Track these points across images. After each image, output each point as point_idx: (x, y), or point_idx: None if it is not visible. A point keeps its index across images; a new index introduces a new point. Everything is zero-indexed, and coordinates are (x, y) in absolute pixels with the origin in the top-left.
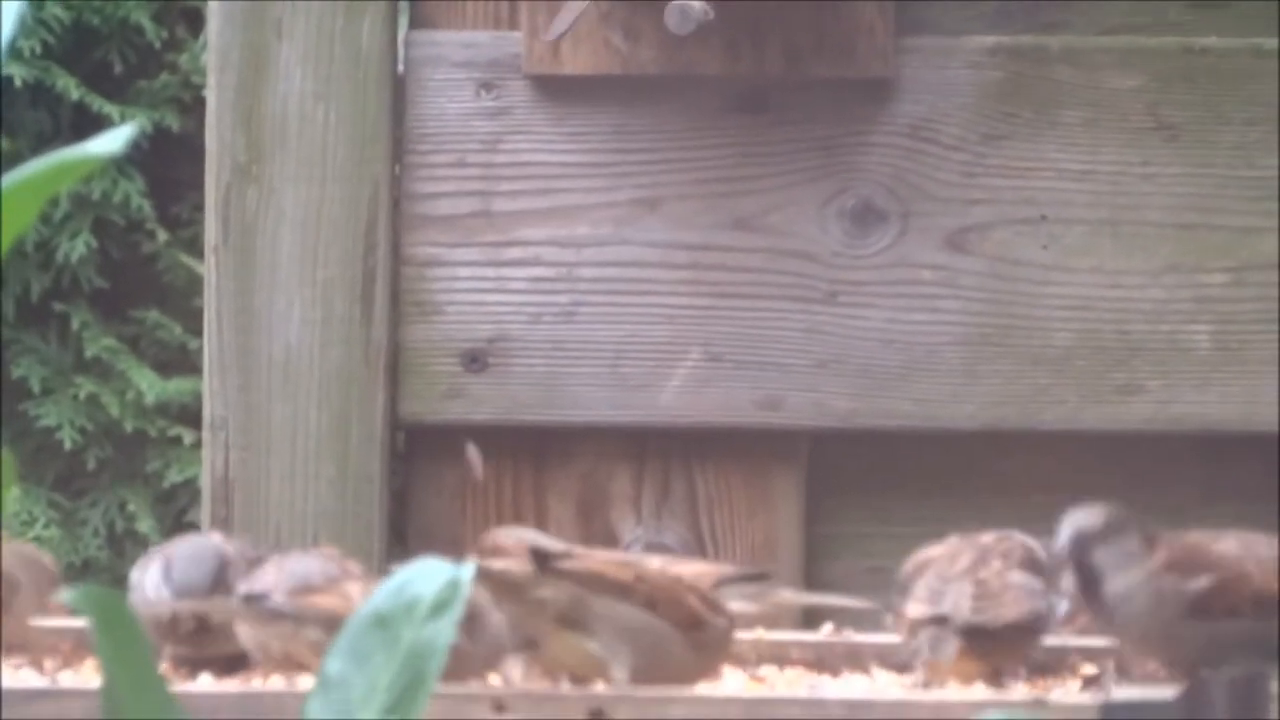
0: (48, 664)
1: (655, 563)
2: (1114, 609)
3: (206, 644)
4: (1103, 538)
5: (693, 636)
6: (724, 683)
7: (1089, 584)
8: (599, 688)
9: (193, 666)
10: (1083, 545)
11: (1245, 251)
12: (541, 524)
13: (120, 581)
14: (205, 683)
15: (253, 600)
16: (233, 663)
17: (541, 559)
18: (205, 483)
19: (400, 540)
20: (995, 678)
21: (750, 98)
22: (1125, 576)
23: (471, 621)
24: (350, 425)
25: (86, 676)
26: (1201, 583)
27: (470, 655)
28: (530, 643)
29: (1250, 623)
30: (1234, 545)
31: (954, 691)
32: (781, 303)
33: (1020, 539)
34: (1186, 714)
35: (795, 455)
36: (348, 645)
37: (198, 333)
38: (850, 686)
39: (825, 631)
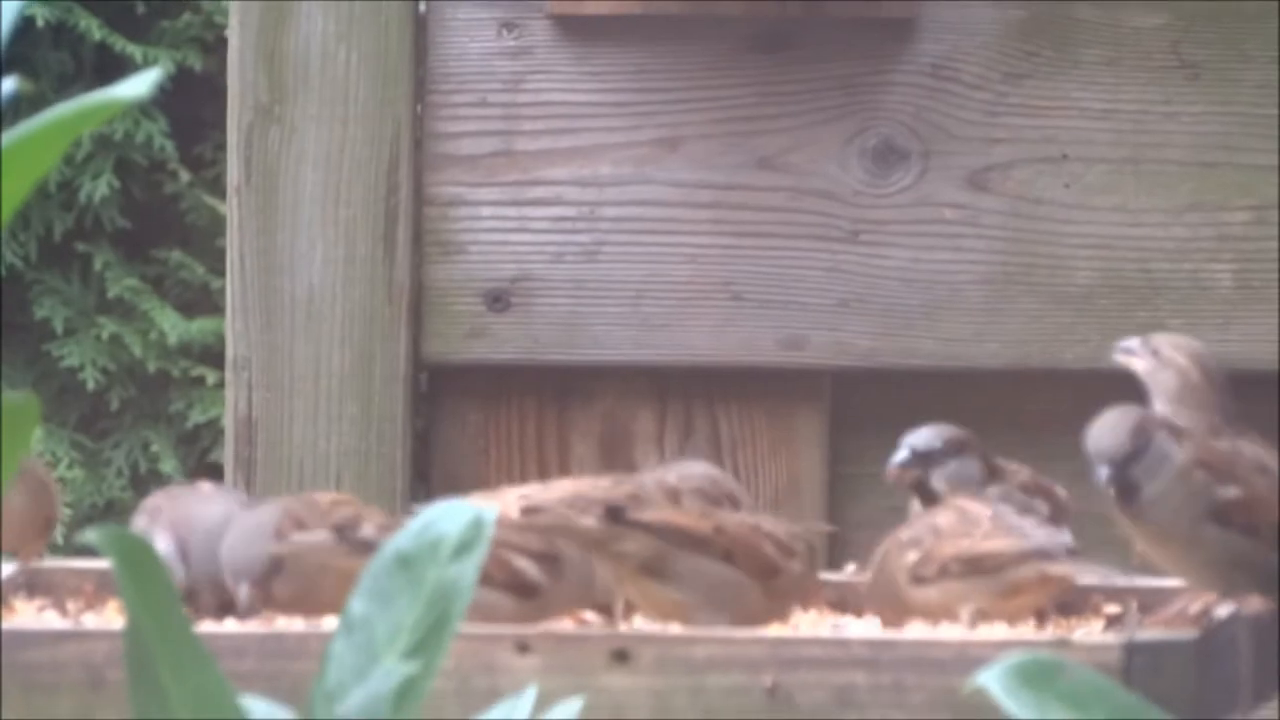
0: (70, 605)
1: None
2: (1146, 512)
3: None
4: (1135, 457)
5: (769, 584)
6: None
7: (1128, 497)
8: (621, 627)
9: None
10: (1121, 471)
11: (1268, 190)
12: (564, 464)
13: None
14: (229, 624)
15: (345, 534)
16: None
17: (616, 513)
18: (228, 423)
19: (423, 480)
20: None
21: (771, 37)
22: (1160, 478)
23: (554, 561)
24: (373, 365)
25: (109, 618)
26: (1230, 492)
27: (555, 593)
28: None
29: (1265, 548)
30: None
31: (978, 631)
32: (804, 242)
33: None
34: (1210, 654)
35: (818, 394)
36: (371, 586)
37: (220, 273)
38: (873, 627)
39: (849, 571)
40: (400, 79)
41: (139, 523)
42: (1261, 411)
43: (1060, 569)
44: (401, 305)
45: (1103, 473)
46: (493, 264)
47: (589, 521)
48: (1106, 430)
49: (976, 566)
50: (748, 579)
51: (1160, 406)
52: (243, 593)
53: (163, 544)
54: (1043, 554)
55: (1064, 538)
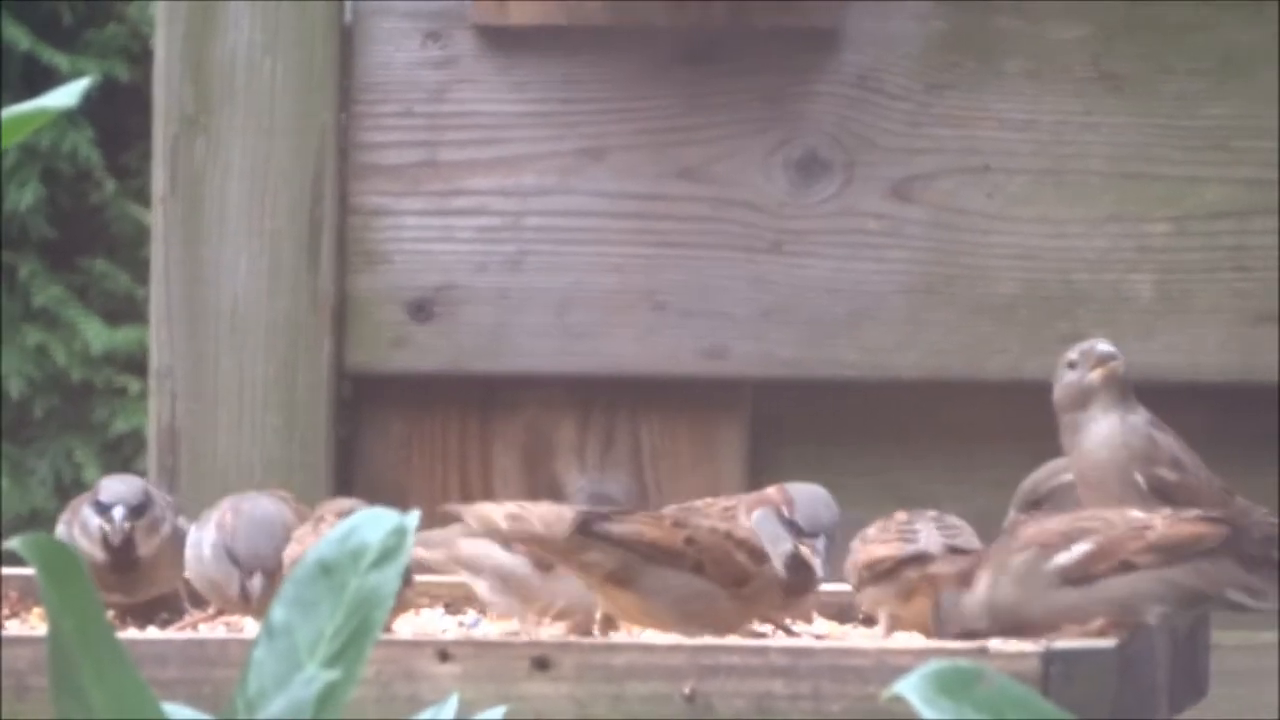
0: None
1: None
2: (998, 620)
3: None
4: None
5: (739, 591)
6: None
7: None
8: (542, 635)
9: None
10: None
11: (1188, 201)
12: (487, 473)
13: None
14: (152, 631)
15: None
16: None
17: (585, 524)
18: (151, 432)
19: (347, 489)
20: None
21: (696, 48)
22: (969, 603)
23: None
24: (297, 375)
25: (33, 625)
26: (1076, 551)
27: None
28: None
29: (1152, 574)
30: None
31: (896, 640)
32: (727, 252)
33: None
34: (1128, 663)
35: (739, 405)
36: (293, 593)
37: (145, 282)
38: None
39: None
40: (325, 89)
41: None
42: (1181, 422)
43: (939, 569)
44: (325, 315)
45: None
46: (417, 273)
47: (558, 532)
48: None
49: (874, 571)
50: (718, 588)
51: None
52: (256, 584)
53: (210, 536)
54: (922, 557)
55: (957, 540)
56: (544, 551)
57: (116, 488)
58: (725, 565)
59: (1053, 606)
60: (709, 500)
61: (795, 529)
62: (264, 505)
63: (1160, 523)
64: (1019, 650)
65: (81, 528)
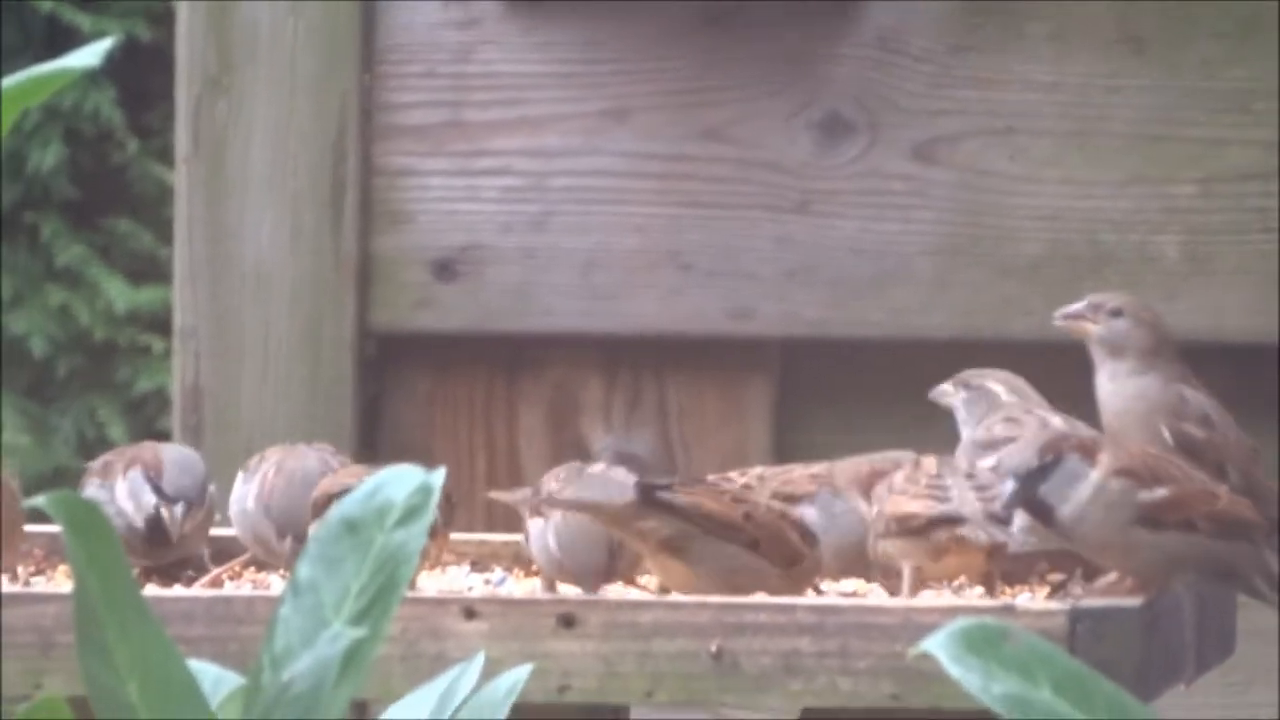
0: (20, 570)
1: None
2: (1070, 530)
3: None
4: (1042, 474)
5: (789, 570)
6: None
7: (1043, 517)
8: (568, 593)
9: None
10: (1027, 488)
11: (1212, 162)
12: (512, 433)
13: None
14: (178, 589)
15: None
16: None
17: (647, 492)
18: (175, 391)
19: (371, 449)
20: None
21: (719, 10)
22: (1074, 498)
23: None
24: (320, 334)
25: (59, 582)
26: (1157, 494)
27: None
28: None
29: (1205, 540)
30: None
31: (922, 598)
32: (752, 212)
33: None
34: (1155, 621)
35: (766, 364)
36: (318, 551)
37: (168, 242)
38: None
39: None
40: (348, 50)
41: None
42: (1206, 383)
43: (972, 534)
44: (349, 274)
45: (1006, 488)
46: (441, 234)
47: (619, 501)
48: (1018, 447)
49: (905, 526)
50: (769, 566)
51: (1130, 364)
52: (287, 546)
53: (253, 490)
54: (953, 519)
55: (995, 505)
56: (600, 517)
57: (181, 480)
58: (780, 544)
59: (1117, 540)
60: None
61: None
62: (307, 463)
63: (1225, 495)
64: (1046, 608)
65: (131, 495)
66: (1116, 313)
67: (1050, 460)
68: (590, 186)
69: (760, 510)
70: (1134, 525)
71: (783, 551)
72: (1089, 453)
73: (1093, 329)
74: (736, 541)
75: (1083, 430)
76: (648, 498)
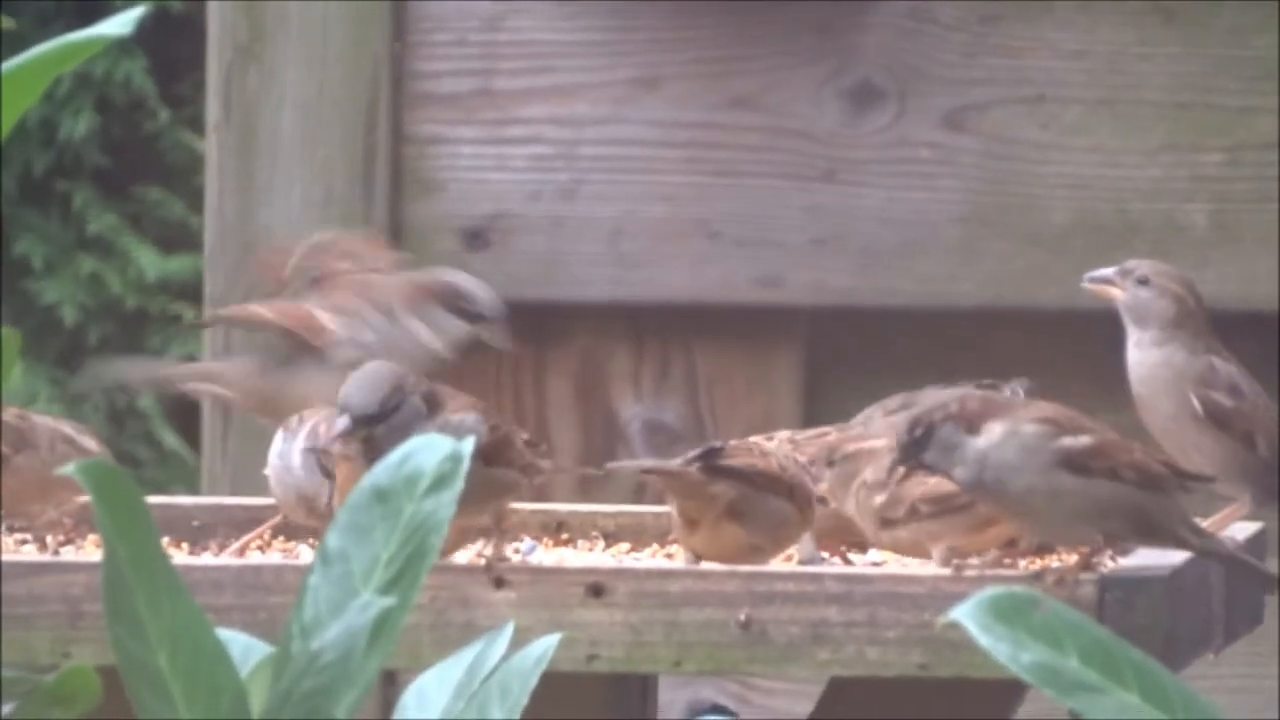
0: (50, 539)
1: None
2: (984, 486)
3: None
4: (916, 446)
5: (804, 516)
6: None
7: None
8: (598, 562)
9: None
10: (905, 458)
11: (1242, 131)
12: (540, 402)
13: (121, 458)
14: (207, 558)
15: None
16: None
17: (711, 458)
18: (206, 359)
19: None
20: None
21: None
22: (964, 458)
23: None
24: None
25: (88, 552)
26: (1081, 440)
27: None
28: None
29: (1132, 490)
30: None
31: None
32: (780, 181)
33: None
34: (1184, 591)
35: (794, 333)
36: (348, 520)
37: (199, 211)
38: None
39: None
40: (379, 18)
41: None
42: (1234, 350)
43: None
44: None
45: (891, 459)
46: (471, 202)
47: (687, 467)
48: (895, 423)
49: (946, 505)
50: (796, 512)
51: (1153, 333)
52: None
53: (301, 444)
54: None
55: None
56: (671, 484)
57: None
58: (805, 491)
59: (1040, 485)
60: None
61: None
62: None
63: (1138, 448)
64: (1077, 576)
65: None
66: (1143, 281)
67: (920, 433)
68: (619, 155)
69: (788, 461)
70: (1057, 469)
71: (807, 498)
72: (967, 419)
73: (1118, 295)
74: (781, 494)
75: (997, 399)
76: (712, 466)
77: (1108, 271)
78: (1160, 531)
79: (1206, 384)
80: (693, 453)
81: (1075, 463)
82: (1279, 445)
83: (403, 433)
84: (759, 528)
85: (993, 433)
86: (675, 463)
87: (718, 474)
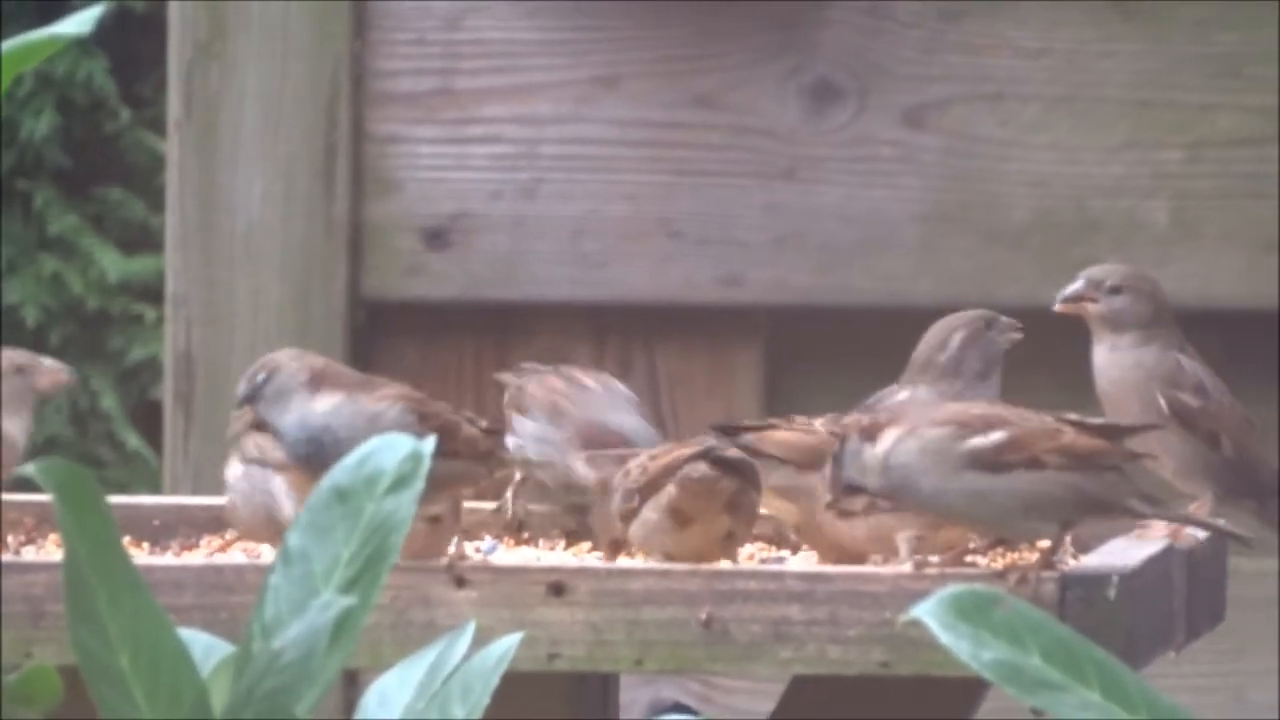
0: (10, 539)
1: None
2: (894, 491)
3: None
4: (838, 460)
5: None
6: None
7: (851, 489)
8: (559, 561)
9: None
10: (835, 474)
11: (1203, 128)
12: (502, 401)
13: (84, 458)
14: (168, 558)
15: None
16: None
17: (730, 435)
18: (167, 359)
19: None
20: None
21: None
22: (866, 467)
23: None
24: (311, 301)
25: (49, 551)
26: (993, 437)
27: None
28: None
29: (1058, 475)
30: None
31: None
32: (741, 179)
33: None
34: (1145, 588)
35: (755, 332)
36: (309, 519)
37: (160, 211)
38: (808, 560)
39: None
40: (339, 16)
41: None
42: (1195, 348)
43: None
44: (340, 241)
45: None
46: (431, 201)
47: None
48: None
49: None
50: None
51: (1129, 336)
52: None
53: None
54: None
55: None
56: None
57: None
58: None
59: (953, 487)
60: None
61: None
62: None
63: (1071, 431)
64: (1036, 575)
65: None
66: (1116, 290)
67: (837, 452)
68: (580, 154)
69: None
70: (968, 470)
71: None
72: (869, 428)
73: (1093, 308)
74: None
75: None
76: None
77: (1077, 286)
78: (1108, 507)
79: (1173, 384)
80: (693, 450)
81: (986, 461)
82: (1243, 444)
83: (280, 403)
84: (744, 518)
85: (886, 439)
86: (681, 455)
87: (725, 468)
